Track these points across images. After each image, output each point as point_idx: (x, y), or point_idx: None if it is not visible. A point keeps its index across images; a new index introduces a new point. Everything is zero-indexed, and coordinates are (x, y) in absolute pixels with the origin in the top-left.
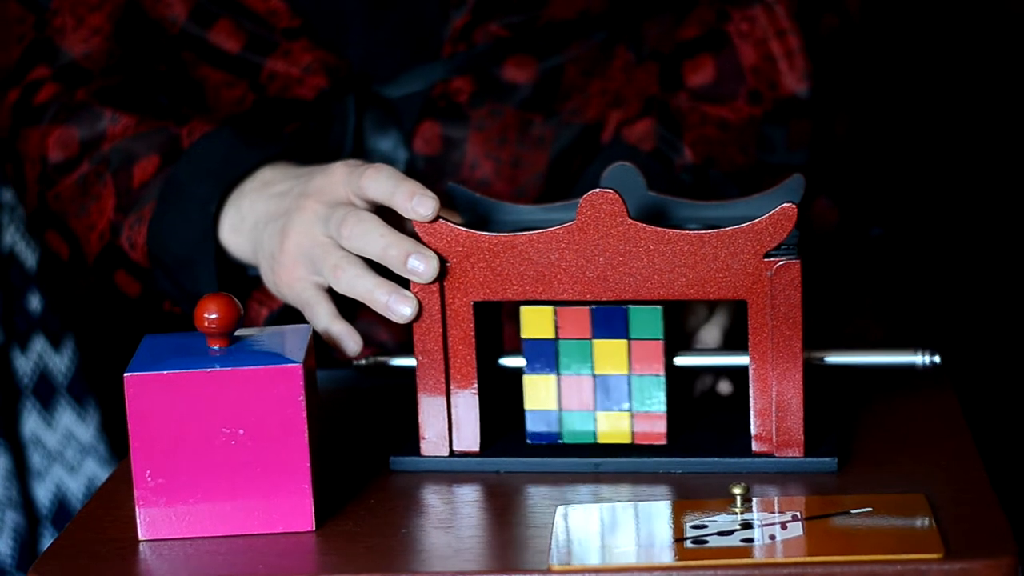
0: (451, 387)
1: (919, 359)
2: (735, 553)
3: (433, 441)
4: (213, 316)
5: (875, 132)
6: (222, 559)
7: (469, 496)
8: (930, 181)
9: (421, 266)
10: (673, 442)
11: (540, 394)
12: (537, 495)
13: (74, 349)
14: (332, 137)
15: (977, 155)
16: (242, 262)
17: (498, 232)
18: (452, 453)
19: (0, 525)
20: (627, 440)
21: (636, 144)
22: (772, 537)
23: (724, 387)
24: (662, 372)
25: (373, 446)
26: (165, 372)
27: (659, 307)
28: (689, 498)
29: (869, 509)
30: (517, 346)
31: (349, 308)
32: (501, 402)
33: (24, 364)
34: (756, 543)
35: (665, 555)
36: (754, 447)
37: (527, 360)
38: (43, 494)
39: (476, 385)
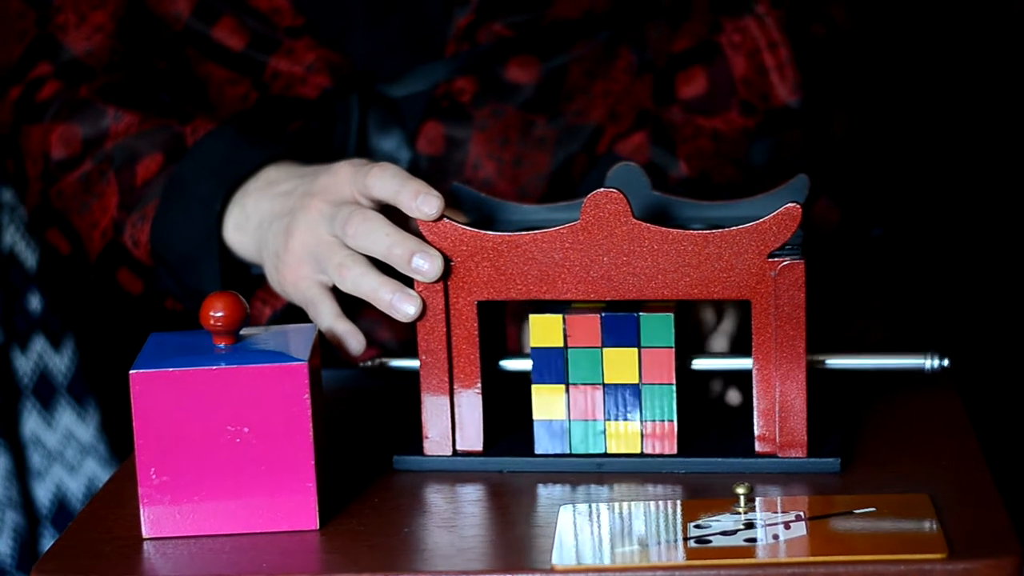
0: (455, 386)
1: (927, 363)
2: (738, 553)
3: (436, 440)
4: (219, 314)
5: (875, 132)
6: (226, 557)
7: (472, 495)
8: (931, 181)
9: (425, 265)
10: (679, 442)
11: (549, 405)
12: (540, 494)
13: (74, 349)
14: (335, 136)
15: (977, 155)
16: (246, 261)
17: (502, 231)
18: (455, 452)
19: (0, 525)
20: (637, 450)
21: (629, 157)
22: (775, 537)
23: (734, 397)
24: (673, 381)
25: (377, 445)
26: (170, 369)
27: (671, 314)
28: (693, 498)
29: (872, 509)
30: (518, 347)
31: (352, 307)
32: (505, 401)
33: (24, 364)
34: (759, 543)
35: (668, 555)
36: (757, 447)
37: (535, 370)
38: (43, 494)
39: (480, 384)
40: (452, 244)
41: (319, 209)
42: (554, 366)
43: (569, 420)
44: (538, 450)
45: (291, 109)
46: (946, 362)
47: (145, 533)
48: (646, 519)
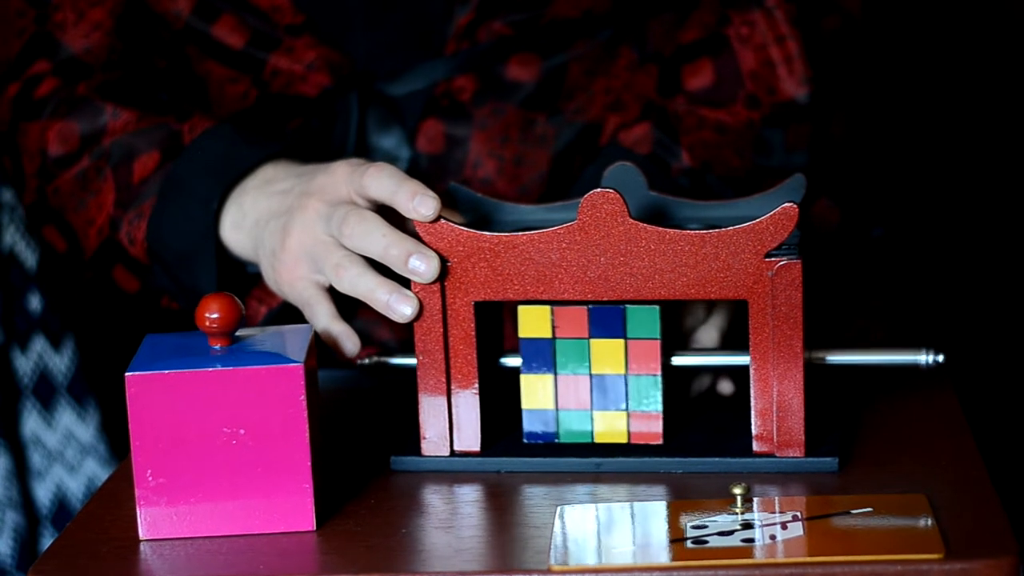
0: (452, 387)
1: (923, 358)
2: (735, 553)
3: (434, 441)
4: (215, 316)
5: (876, 132)
6: (223, 559)
7: (469, 496)
8: (931, 181)
9: (422, 266)
10: (673, 442)
11: (537, 393)
12: (538, 495)
13: (74, 349)
14: (335, 135)
15: (978, 155)
16: (242, 259)
17: (499, 232)
18: (453, 453)
19: (0, 525)
20: (623, 440)
21: (632, 147)
22: (773, 537)
23: (725, 387)
24: (659, 372)
25: (374, 446)
26: (166, 371)
27: (656, 307)
28: (690, 498)
29: (870, 509)
30: (517, 345)
31: (349, 307)
32: (502, 402)
33: (24, 364)
34: (757, 543)
35: (665, 555)
36: (755, 447)
37: (524, 359)
38: (43, 494)
39: (477, 385)
40: (449, 245)
41: (316, 209)
42: (542, 356)
43: (557, 409)
44: (526, 438)
45: (291, 107)
46: (941, 358)
47: (142, 534)
48: (643, 519)
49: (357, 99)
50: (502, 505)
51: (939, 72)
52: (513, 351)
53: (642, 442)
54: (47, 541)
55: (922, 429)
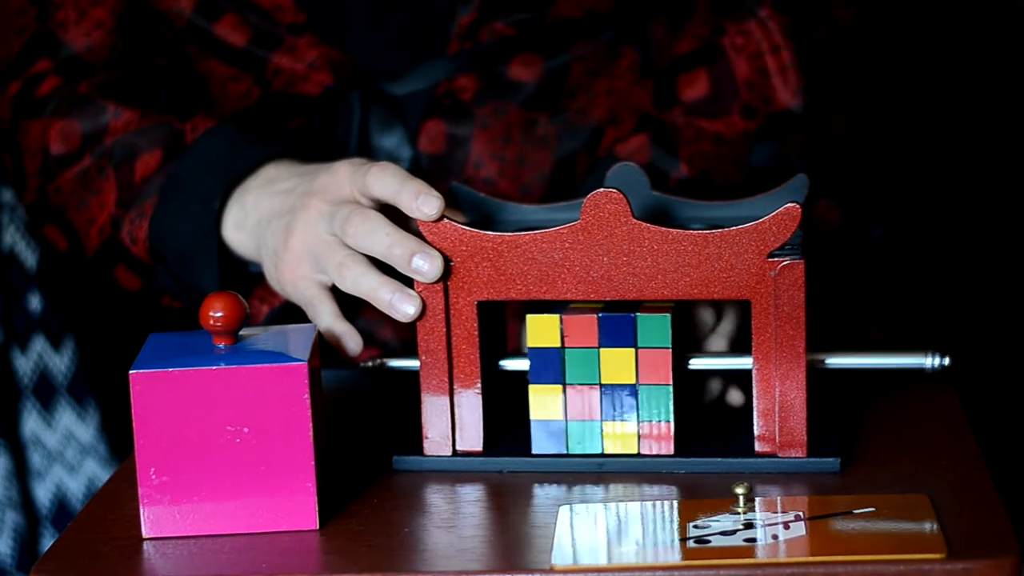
0: (454, 386)
1: (928, 361)
2: (738, 553)
3: (436, 440)
4: (218, 314)
5: (876, 133)
6: (226, 558)
7: (472, 496)
8: (932, 181)
9: (425, 265)
10: (676, 442)
11: (546, 405)
12: (540, 495)
13: (74, 349)
14: (337, 134)
15: (978, 155)
16: (244, 259)
17: (502, 232)
18: (455, 453)
19: (0, 525)
20: (634, 451)
21: (629, 158)
22: (775, 537)
23: (735, 397)
24: (670, 382)
25: (376, 445)
26: (170, 370)
27: (667, 315)
28: (692, 498)
29: (872, 509)
30: (519, 346)
31: (352, 307)
32: (504, 401)
33: (24, 364)
34: (759, 543)
35: (668, 555)
36: (757, 447)
37: (533, 370)
38: (43, 494)
39: (479, 385)
40: (452, 244)
41: (318, 208)
42: (551, 366)
43: (566, 420)
44: (535, 450)
45: (293, 106)
46: (947, 361)
47: (145, 533)
48: (645, 519)
49: (359, 98)
50: (504, 505)
51: (939, 73)
52: (515, 353)
53: (653, 453)
54: (47, 541)
55: (923, 429)
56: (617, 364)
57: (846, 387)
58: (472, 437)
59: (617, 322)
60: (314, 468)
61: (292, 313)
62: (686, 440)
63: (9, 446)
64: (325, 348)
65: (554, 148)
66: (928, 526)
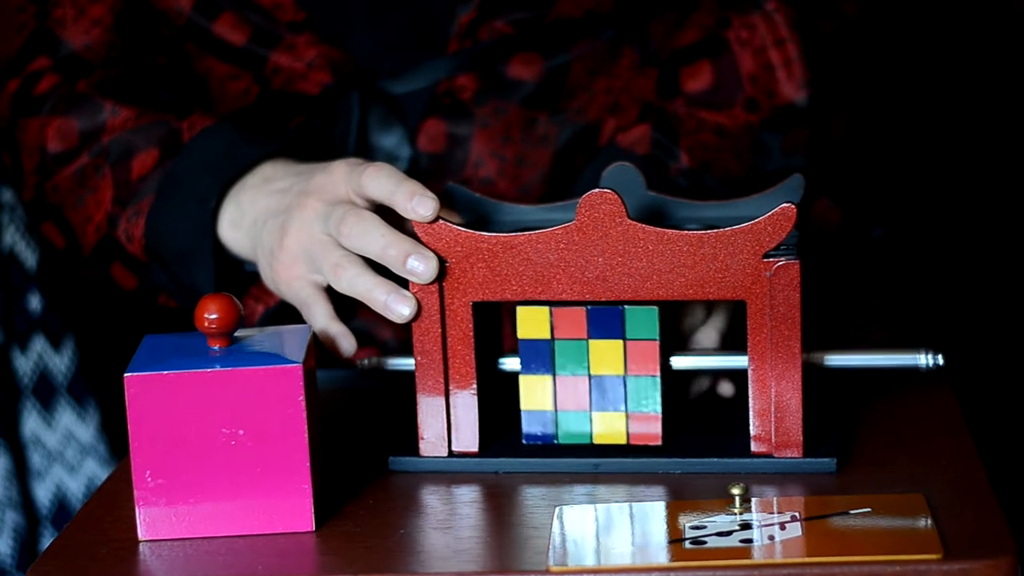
0: (450, 387)
1: (923, 360)
2: (734, 554)
3: (432, 441)
4: (213, 316)
5: (876, 133)
6: (222, 559)
7: (468, 496)
8: (931, 181)
9: (420, 266)
10: (672, 442)
11: (536, 395)
12: (536, 496)
13: (74, 349)
14: (336, 133)
15: (978, 155)
16: (240, 258)
17: (497, 232)
18: (451, 453)
19: (0, 525)
20: (623, 441)
21: (630, 148)
22: (771, 538)
23: (726, 388)
24: (658, 373)
25: (372, 446)
26: (165, 372)
27: (655, 307)
28: (688, 498)
29: (868, 510)
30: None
31: (348, 307)
32: (500, 402)
33: (24, 364)
34: (755, 544)
35: (663, 556)
36: (753, 447)
37: (523, 360)
38: (43, 494)
39: (475, 385)
40: (447, 245)
41: (314, 208)
42: (541, 357)
43: (556, 410)
44: (525, 438)
45: (292, 105)
46: (941, 359)
47: (141, 535)
48: (641, 520)
49: (358, 97)
50: (500, 506)
51: (939, 72)
52: (511, 352)
53: (641, 443)
54: (47, 541)
55: (920, 429)
56: (606, 355)
57: (842, 387)
58: (468, 438)
59: (606, 314)
60: (310, 469)
61: (287, 313)
62: (676, 432)
63: (9, 446)
64: (320, 349)
65: (554, 147)
66: (925, 526)
